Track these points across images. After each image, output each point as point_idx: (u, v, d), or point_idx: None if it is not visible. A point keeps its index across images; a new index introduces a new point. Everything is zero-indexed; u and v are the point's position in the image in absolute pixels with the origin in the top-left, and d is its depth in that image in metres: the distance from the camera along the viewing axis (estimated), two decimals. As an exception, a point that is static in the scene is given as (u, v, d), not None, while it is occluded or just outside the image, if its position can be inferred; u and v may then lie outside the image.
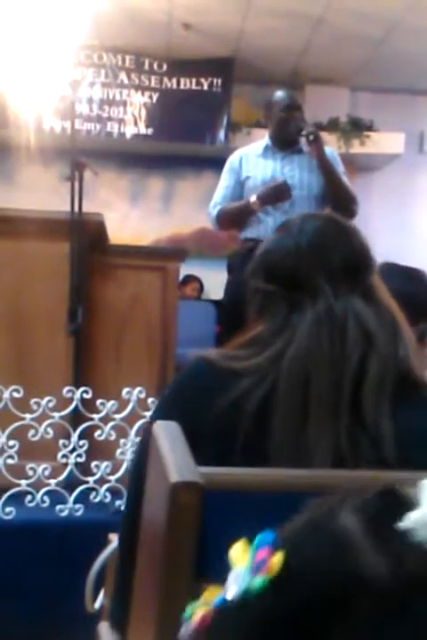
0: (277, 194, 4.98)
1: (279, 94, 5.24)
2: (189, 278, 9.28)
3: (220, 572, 1.25)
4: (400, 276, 2.77)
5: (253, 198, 5.03)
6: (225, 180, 5.34)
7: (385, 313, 1.75)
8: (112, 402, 3.54)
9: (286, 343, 1.67)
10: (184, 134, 9.33)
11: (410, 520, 0.87)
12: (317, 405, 1.61)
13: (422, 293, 2.75)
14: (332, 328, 1.67)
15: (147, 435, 1.65)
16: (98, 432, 3.56)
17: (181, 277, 8.53)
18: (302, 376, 1.63)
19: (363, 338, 1.66)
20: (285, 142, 5.20)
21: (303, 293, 1.72)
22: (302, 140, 5.13)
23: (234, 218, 5.30)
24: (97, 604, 2.34)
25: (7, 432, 3.46)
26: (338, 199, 5.03)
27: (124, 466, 3.57)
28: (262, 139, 5.44)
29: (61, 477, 3.59)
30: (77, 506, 3.54)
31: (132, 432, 3.58)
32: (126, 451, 3.59)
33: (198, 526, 1.28)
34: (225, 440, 1.60)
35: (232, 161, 5.35)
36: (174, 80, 9.38)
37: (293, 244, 1.78)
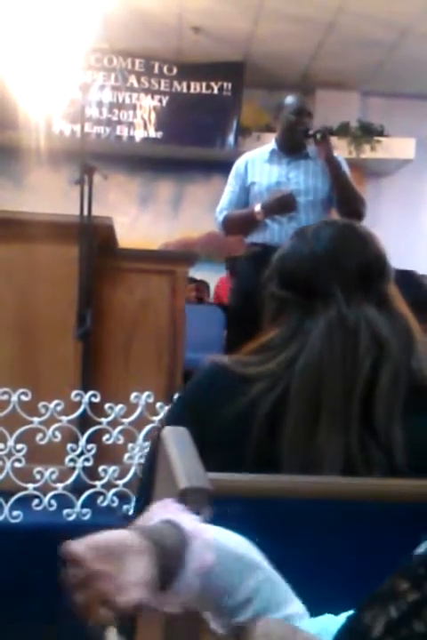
0: (281, 205, 4.94)
1: (291, 98, 5.21)
2: (189, 282, 9.28)
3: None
4: (396, 280, 2.77)
5: (257, 208, 4.99)
6: (231, 186, 5.32)
7: (399, 321, 1.74)
8: (120, 406, 3.52)
9: (298, 349, 1.67)
10: (194, 138, 9.34)
11: None
12: (328, 412, 1.61)
13: (420, 296, 2.74)
14: (344, 335, 1.66)
15: (157, 440, 1.65)
16: (106, 436, 3.54)
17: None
18: (313, 383, 1.63)
19: (375, 345, 1.66)
20: (291, 147, 5.17)
21: (317, 300, 1.72)
22: (310, 141, 5.10)
23: (239, 225, 5.28)
24: (104, 610, 2.33)
25: (15, 435, 3.45)
26: (346, 200, 5.00)
27: (132, 470, 3.56)
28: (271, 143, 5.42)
29: (69, 481, 3.57)
30: (85, 510, 3.53)
31: (141, 436, 3.56)
32: (134, 455, 3.57)
33: None
34: (238, 444, 1.60)
35: (238, 166, 5.32)
36: (184, 84, 9.40)
37: (308, 251, 1.78)
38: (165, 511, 1.22)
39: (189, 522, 1.19)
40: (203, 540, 1.18)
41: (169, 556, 1.14)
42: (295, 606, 1.24)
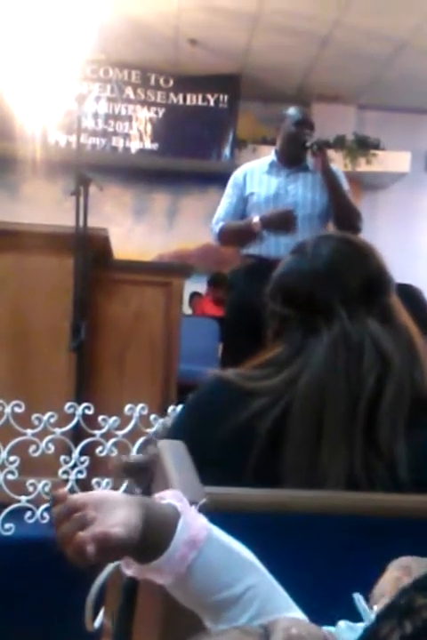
0: (281, 221, 4.91)
1: (293, 109, 5.20)
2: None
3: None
4: (398, 295, 2.77)
5: (255, 219, 4.97)
6: (228, 196, 5.30)
7: (402, 334, 1.73)
8: (114, 418, 3.51)
9: (301, 367, 1.67)
10: (190, 150, 9.36)
11: None
12: (331, 430, 1.60)
13: (418, 309, 2.75)
14: (348, 352, 1.65)
15: (148, 439, 1.65)
16: (99, 448, 3.53)
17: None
18: (316, 400, 1.62)
19: (379, 361, 1.65)
20: (291, 158, 5.16)
21: (319, 317, 1.71)
22: (308, 154, 5.09)
23: (235, 236, 5.26)
24: (97, 623, 2.31)
25: (8, 447, 3.43)
26: (343, 214, 4.98)
27: (125, 483, 3.54)
28: (268, 155, 5.41)
29: (62, 494, 3.55)
30: (78, 523, 3.51)
31: (134, 449, 3.55)
32: (128, 468, 3.55)
33: None
34: (239, 459, 1.58)
35: (236, 177, 5.31)
36: (180, 96, 9.42)
37: (308, 267, 1.77)
38: (169, 495, 1.25)
39: (188, 507, 1.22)
40: (197, 518, 1.21)
41: (159, 518, 1.18)
42: (296, 613, 1.22)
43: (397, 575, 1.20)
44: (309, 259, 1.79)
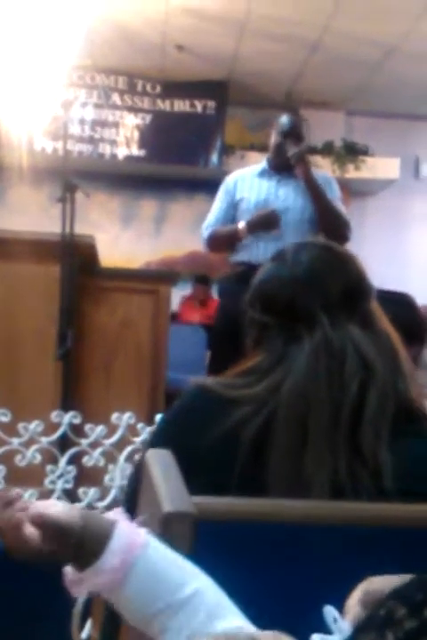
0: (265, 222, 4.94)
1: (283, 118, 5.18)
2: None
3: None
4: (390, 301, 2.77)
5: (241, 225, 5.00)
6: (218, 202, 5.33)
7: (383, 340, 1.73)
8: (101, 427, 3.49)
9: (283, 374, 1.65)
10: (177, 156, 9.38)
11: None
12: (315, 437, 1.59)
13: (412, 318, 2.75)
14: (330, 359, 1.65)
15: (140, 462, 1.63)
16: (86, 457, 3.51)
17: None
18: (300, 408, 1.61)
19: (362, 368, 1.64)
20: (279, 167, 5.17)
21: (301, 324, 1.70)
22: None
23: (223, 242, 5.29)
24: (84, 634, 2.28)
25: (-6, 457, 3.41)
26: (328, 224, 4.98)
27: (113, 492, 3.52)
28: (257, 161, 5.42)
29: (49, 504, 3.53)
30: (65, 533, 3.48)
31: (122, 458, 3.52)
32: (115, 477, 3.53)
33: (191, 557, 1.24)
34: (222, 468, 1.58)
35: (227, 182, 5.32)
36: (168, 102, 9.43)
37: (288, 274, 1.76)
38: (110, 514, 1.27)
39: (125, 518, 1.24)
40: (135, 527, 1.22)
41: (96, 521, 1.20)
42: (241, 621, 1.21)
43: (360, 596, 1.19)
44: (289, 266, 1.78)
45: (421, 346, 2.77)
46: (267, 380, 1.66)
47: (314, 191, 5.03)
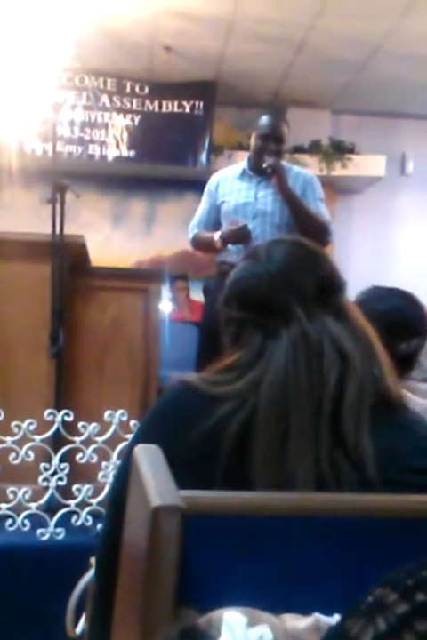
0: (236, 237, 5.01)
1: (263, 120, 5.16)
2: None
3: (200, 596, 1.25)
4: (393, 296, 2.83)
5: (216, 236, 5.10)
6: (203, 203, 5.41)
7: (358, 331, 1.76)
8: (94, 424, 3.53)
9: (263, 369, 1.68)
10: (166, 157, 9.36)
11: None
12: (297, 430, 1.60)
13: (415, 311, 2.80)
14: (308, 352, 1.67)
15: (127, 458, 1.65)
16: (79, 455, 3.54)
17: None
18: (280, 402, 1.63)
19: (339, 359, 1.67)
20: (257, 170, 5.19)
21: (277, 319, 1.72)
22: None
23: (203, 247, 5.47)
24: (78, 629, 2.32)
25: (-12, 455, 3.45)
26: (305, 231, 4.95)
27: (106, 489, 3.55)
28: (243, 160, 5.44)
29: (42, 501, 3.57)
30: (58, 529, 3.52)
31: (114, 455, 3.56)
32: (108, 474, 3.57)
33: (180, 551, 1.26)
34: (206, 464, 1.59)
35: (210, 184, 5.37)
36: (156, 103, 9.41)
37: (263, 271, 1.79)
38: None
39: None
40: None
41: None
42: None
43: None
44: (263, 262, 1.81)
45: (423, 338, 2.81)
46: (247, 376, 1.68)
47: (290, 202, 5.07)
